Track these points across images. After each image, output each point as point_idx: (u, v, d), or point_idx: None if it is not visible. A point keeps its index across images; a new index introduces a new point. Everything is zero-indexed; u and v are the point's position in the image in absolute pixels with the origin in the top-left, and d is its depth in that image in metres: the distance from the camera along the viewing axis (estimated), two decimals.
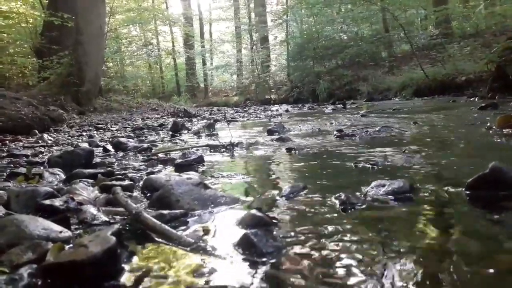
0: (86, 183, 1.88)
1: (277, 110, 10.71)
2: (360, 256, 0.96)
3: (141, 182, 1.87)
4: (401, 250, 0.99)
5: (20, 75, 14.55)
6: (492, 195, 1.38)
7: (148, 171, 2.30)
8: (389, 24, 17.22)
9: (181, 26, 27.28)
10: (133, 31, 26.76)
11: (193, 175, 1.71)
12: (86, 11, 11.73)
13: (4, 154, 3.28)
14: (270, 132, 4.18)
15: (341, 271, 0.89)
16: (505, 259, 0.92)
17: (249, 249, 1.02)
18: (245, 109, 13.21)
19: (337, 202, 1.41)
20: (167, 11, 28.08)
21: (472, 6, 15.40)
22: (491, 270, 0.86)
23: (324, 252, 1.00)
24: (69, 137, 5.17)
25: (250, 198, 1.59)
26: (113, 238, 0.94)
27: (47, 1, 13.56)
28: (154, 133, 5.57)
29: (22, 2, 14.97)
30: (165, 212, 1.31)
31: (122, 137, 4.59)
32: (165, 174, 1.74)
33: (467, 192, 1.44)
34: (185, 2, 28.39)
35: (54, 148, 3.94)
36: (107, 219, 1.32)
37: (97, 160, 2.77)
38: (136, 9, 23.04)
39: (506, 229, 1.14)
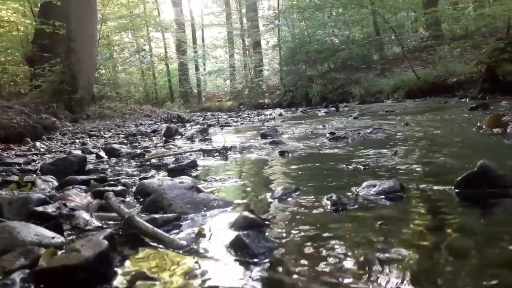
0: (79, 189, 1.88)
1: (270, 114, 10.73)
2: (352, 255, 0.98)
3: (134, 188, 1.87)
4: (393, 248, 1.00)
5: (11, 83, 14.47)
6: (480, 193, 1.40)
7: (141, 176, 2.30)
8: (380, 27, 17.37)
9: (173, 32, 27.27)
10: (125, 38, 26.72)
11: (186, 179, 1.72)
12: (78, 18, 11.71)
13: None
14: (264, 136, 4.20)
15: (333, 271, 0.90)
16: (494, 255, 0.94)
17: (241, 250, 1.03)
18: (238, 114, 13.22)
19: (328, 203, 1.42)
20: (159, 18, 28.04)
21: (462, 8, 15.57)
22: (481, 266, 0.88)
23: (316, 252, 1.01)
24: (62, 145, 5.15)
25: (243, 201, 1.60)
26: (105, 242, 0.94)
27: (38, 9, 13.53)
28: (147, 139, 5.56)
29: (12, 11, 14.91)
30: (158, 216, 1.32)
31: (115, 143, 4.58)
32: (158, 179, 1.75)
33: (456, 190, 1.46)
34: (177, 8, 28.39)
35: (47, 155, 3.92)
36: (100, 224, 1.32)
37: (90, 166, 2.76)
38: (128, 16, 23.03)
39: (494, 226, 1.16)
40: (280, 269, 0.94)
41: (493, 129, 3.05)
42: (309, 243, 1.07)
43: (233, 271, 0.94)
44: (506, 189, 1.38)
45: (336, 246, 1.04)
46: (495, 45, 8.16)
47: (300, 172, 2.17)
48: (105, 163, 3.07)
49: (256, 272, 0.93)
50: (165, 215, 1.34)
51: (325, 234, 1.13)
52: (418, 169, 1.93)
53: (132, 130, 7.71)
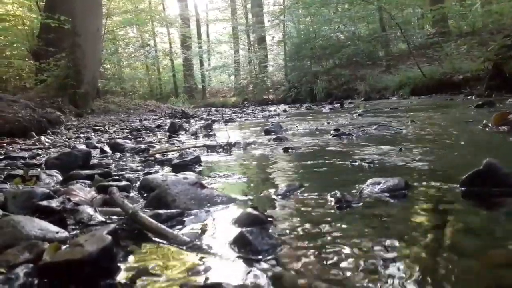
0: (83, 184, 1.88)
1: (275, 110, 10.71)
2: (355, 253, 0.97)
3: (138, 183, 1.88)
4: (396, 246, 1.00)
5: (17, 77, 14.53)
6: (486, 191, 1.39)
7: (145, 171, 2.30)
8: (386, 23, 17.26)
9: (178, 27, 27.26)
10: (130, 33, 26.74)
11: (190, 175, 1.72)
12: (84, 13, 11.71)
13: (1, 157, 3.27)
14: (268, 132, 4.19)
15: (336, 268, 0.90)
16: (499, 254, 0.93)
17: (244, 247, 1.03)
18: (243, 110, 13.21)
19: (332, 200, 1.41)
20: (164, 12, 28.06)
21: (469, 4, 15.43)
22: (486, 265, 0.87)
23: (320, 249, 1.01)
24: (67, 139, 5.17)
25: (246, 197, 1.60)
26: (109, 237, 0.94)
27: (44, 3, 13.55)
28: (151, 134, 5.57)
29: (18, 5, 14.94)
30: (161, 211, 1.32)
31: (120, 138, 4.59)
32: (162, 174, 1.75)
33: (462, 188, 1.45)
34: (182, 3, 28.36)
35: (52, 150, 3.94)
36: (104, 219, 1.32)
37: (95, 161, 2.77)
38: (133, 11, 23.03)
39: (499, 225, 1.15)
40: (283, 266, 0.93)
41: (499, 127, 3.02)
42: (312, 240, 1.07)
43: (236, 267, 0.94)
44: None
45: (340, 244, 1.03)
46: (502, 42, 8.09)
47: (304, 169, 2.17)
48: (109, 158, 3.08)
49: (259, 269, 0.92)
50: (168, 211, 1.34)
51: (329, 232, 1.13)
52: (423, 166, 1.91)
53: (136, 125, 7.72)
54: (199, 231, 1.20)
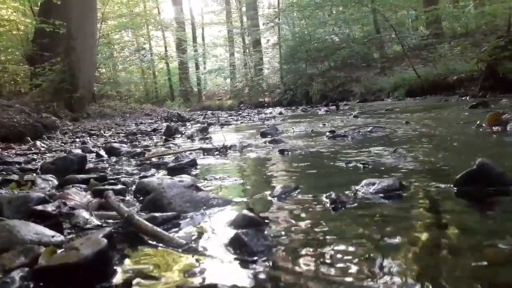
0: (78, 188, 1.88)
1: (270, 113, 10.73)
2: (350, 254, 0.98)
3: (134, 186, 1.88)
4: (391, 246, 1.00)
5: (12, 82, 14.50)
6: (479, 191, 1.40)
7: (141, 175, 2.30)
8: (380, 25, 17.35)
9: (173, 30, 27.27)
10: (126, 37, 26.75)
11: (185, 178, 1.72)
12: (79, 17, 11.71)
13: None
14: (263, 135, 4.20)
15: (331, 269, 0.91)
16: (492, 253, 0.94)
17: (240, 248, 1.03)
18: (238, 112, 13.23)
19: (327, 201, 1.42)
20: (159, 16, 28.03)
21: (462, 6, 15.54)
22: (479, 264, 0.88)
23: (315, 250, 1.02)
24: (62, 144, 5.16)
25: (242, 199, 1.60)
26: (104, 241, 0.94)
27: (38, 8, 13.54)
28: (147, 138, 5.57)
29: (12, 10, 14.91)
30: (157, 214, 1.32)
31: (115, 142, 4.58)
32: (157, 178, 1.75)
33: (456, 188, 1.46)
34: (177, 7, 28.36)
35: (47, 155, 3.93)
36: (100, 223, 1.32)
37: (90, 165, 2.76)
38: (128, 15, 23.04)
39: (493, 224, 1.16)
40: (279, 267, 0.94)
41: (493, 127, 3.05)
42: (308, 241, 1.08)
43: (232, 269, 0.95)
44: (505, 187, 1.39)
45: (335, 244, 1.04)
46: (495, 43, 8.16)
47: (299, 171, 2.17)
48: (105, 162, 3.08)
49: (255, 270, 0.93)
50: (164, 214, 1.34)
51: (324, 232, 1.13)
52: (417, 167, 1.93)
53: (132, 129, 7.71)
54: (195, 234, 1.21)
